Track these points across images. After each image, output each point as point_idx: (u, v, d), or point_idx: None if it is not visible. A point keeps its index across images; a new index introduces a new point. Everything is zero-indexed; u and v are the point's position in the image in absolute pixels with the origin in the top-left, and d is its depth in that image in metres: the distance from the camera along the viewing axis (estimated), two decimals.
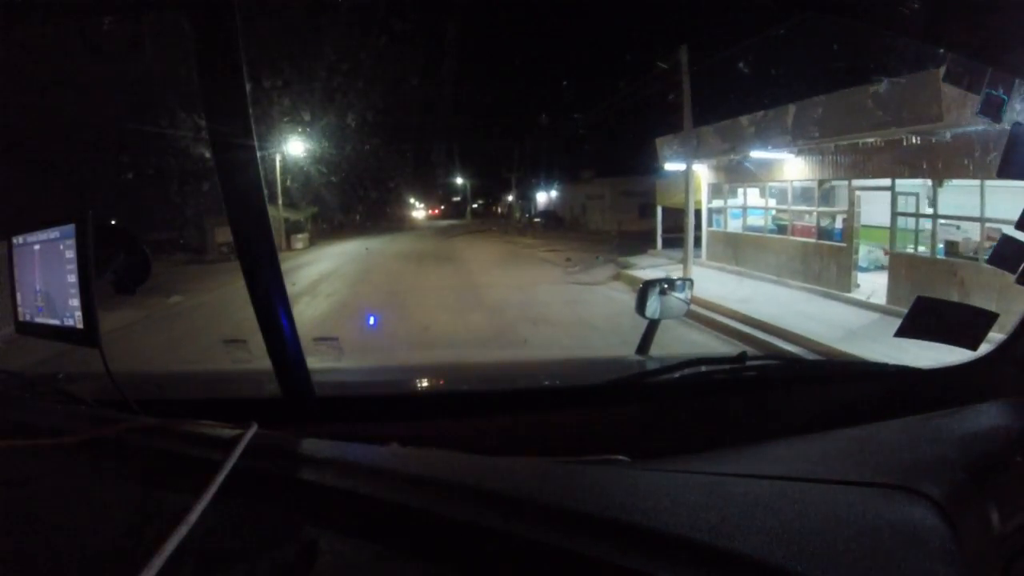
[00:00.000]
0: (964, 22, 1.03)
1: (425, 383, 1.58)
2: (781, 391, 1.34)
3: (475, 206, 53.92)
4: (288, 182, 19.95)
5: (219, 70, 0.97)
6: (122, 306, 6.88)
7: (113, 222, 1.43)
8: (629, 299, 1.88)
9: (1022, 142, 1.09)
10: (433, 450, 0.85)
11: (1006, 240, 1.14)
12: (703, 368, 1.34)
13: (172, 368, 3.07)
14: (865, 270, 10.64)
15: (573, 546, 0.57)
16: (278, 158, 18.44)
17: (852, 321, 8.21)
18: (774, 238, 12.35)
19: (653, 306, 1.76)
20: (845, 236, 10.36)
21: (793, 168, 11.62)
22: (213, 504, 0.65)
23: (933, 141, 8.09)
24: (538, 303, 9.73)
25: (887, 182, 9.36)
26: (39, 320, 1.07)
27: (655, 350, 1.73)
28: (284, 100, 15.61)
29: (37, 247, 1.07)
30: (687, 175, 12.91)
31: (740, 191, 13.87)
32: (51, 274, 1.04)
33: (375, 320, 8.45)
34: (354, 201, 27.11)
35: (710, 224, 14.86)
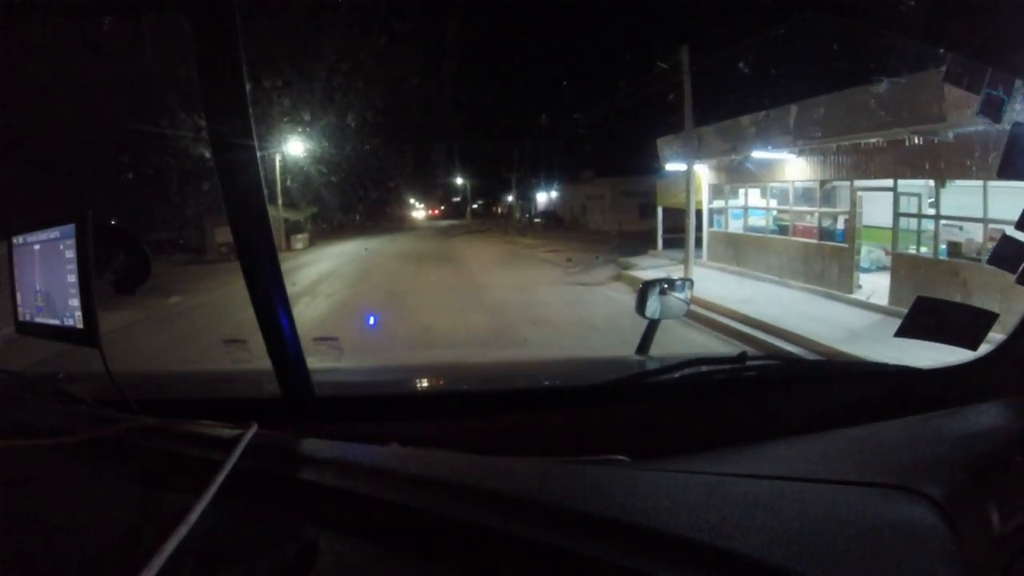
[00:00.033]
0: (964, 22, 1.03)
1: (425, 383, 1.58)
2: (781, 391, 1.34)
3: (475, 206, 53.98)
4: (288, 182, 19.95)
5: (219, 70, 0.97)
6: (121, 307, 6.88)
7: (113, 222, 1.43)
8: (630, 300, 1.88)
9: (1022, 142, 1.09)
10: (433, 450, 0.85)
11: (1006, 240, 1.14)
12: (703, 368, 1.34)
13: (172, 368, 3.07)
14: (867, 271, 10.61)
15: (573, 546, 0.57)
16: (278, 158, 18.44)
17: (854, 322, 8.19)
18: (775, 239, 12.32)
19: (653, 306, 1.77)
20: (847, 237, 10.33)
21: (794, 168, 11.59)
22: (213, 504, 0.65)
23: (935, 141, 8.06)
24: (539, 304, 9.72)
25: (889, 182, 9.33)
26: (39, 320, 1.07)
27: (655, 350, 1.73)
28: (284, 100, 15.63)
29: (37, 247, 1.07)
30: (688, 175, 12.86)
31: (741, 191, 13.83)
32: (51, 274, 1.04)
33: (375, 320, 8.44)
34: (354, 201, 27.12)
35: (711, 225, 14.83)
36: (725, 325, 8.19)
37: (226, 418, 0.88)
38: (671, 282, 1.84)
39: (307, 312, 8.98)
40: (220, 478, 0.69)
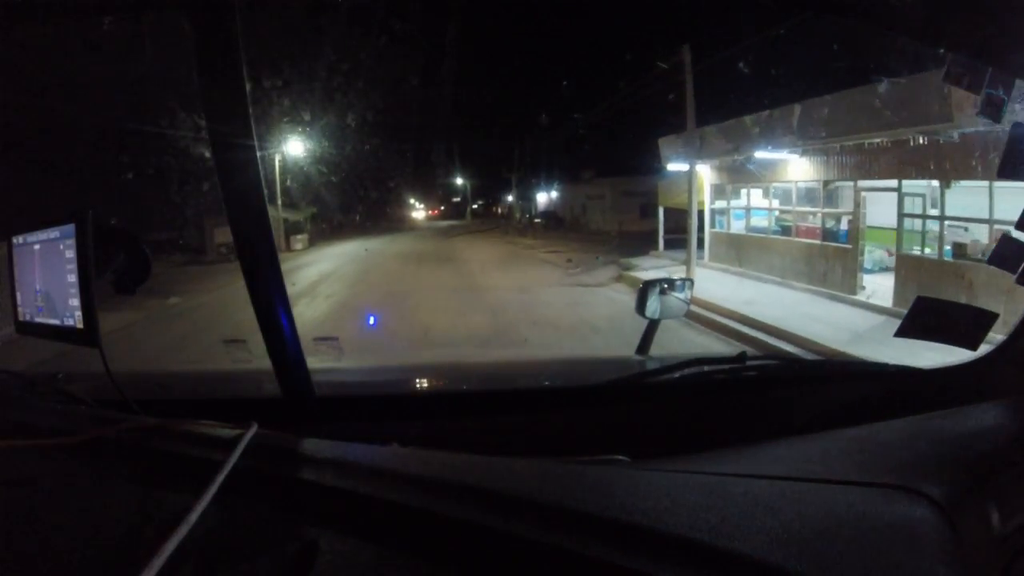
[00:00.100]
0: (964, 22, 1.03)
1: (425, 383, 1.58)
2: (781, 391, 1.34)
3: (475, 207, 54.00)
4: (288, 182, 19.95)
5: (219, 70, 0.97)
6: (120, 307, 6.88)
7: (113, 222, 1.43)
8: (631, 301, 1.88)
9: (1022, 142, 1.09)
10: (433, 450, 0.85)
11: (1006, 240, 1.15)
12: (703, 368, 1.34)
13: (172, 368, 3.07)
14: (869, 271, 10.57)
15: (573, 546, 0.57)
16: (277, 158, 18.44)
17: (858, 324, 8.16)
18: (778, 239, 12.29)
19: (653, 306, 1.77)
20: (850, 237, 10.30)
21: (797, 168, 11.57)
22: (213, 504, 0.65)
23: (940, 142, 8.02)
24: (539, 305, 9.71)
25: (892, 183, 9.30)
26: (39, 320, 1.07)
27: (656, 350, 1.73)
28: (284, 100, 15.65)
29: (37, 247, 1.07)
30: (690, 175, 12.80)
31: (743, 192, 13.81)
32: (51, 274, 1.04)
33: (375, 320, 8.44)
34: (353, 201, 27.14)
35: (713, 225, 14.82)
36: (727, 327, 8.16)
37: (226, 418, 0.88)
38: (671, 282, 1.84)
39: (307, 313, 8.98)
40: (220, 478, 0.69)
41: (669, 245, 16.63)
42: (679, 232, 14.80)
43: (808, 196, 11.67)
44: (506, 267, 15.89)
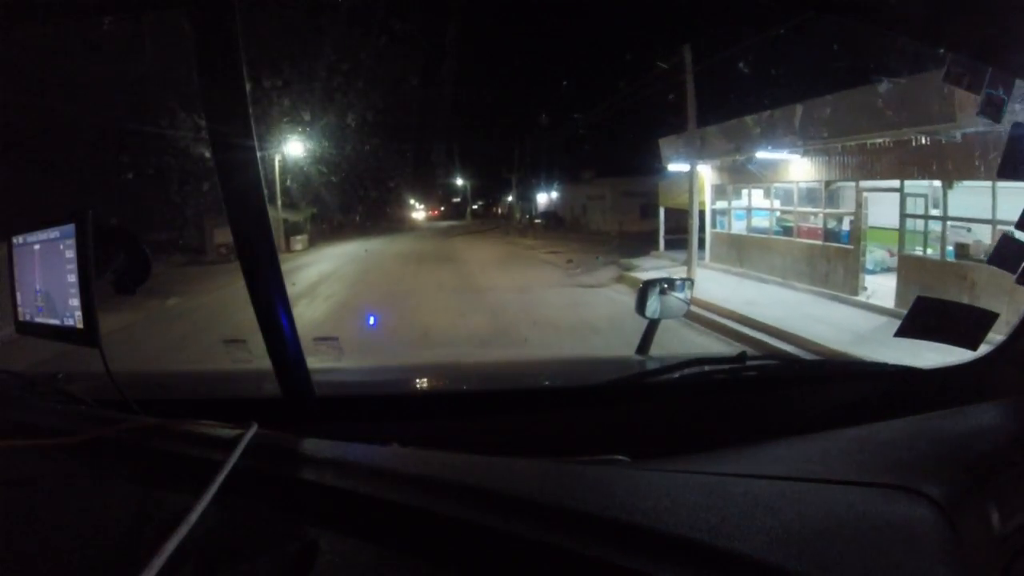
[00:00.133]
0: (964, 22, 1.04)
1: (425, 383, 1.58)
2: (781, 391, 1.34)
3: (475, 207, 53.94)
4: (288, 181, 19.94)
5: (219, 70, 0.97)
6: (119, 308, 6.87)
7: (113, 222, 1.43)
8: (632, 302, 1.88)
9: (1022, 142, 1.09)
10: (433, 450, 0.85)
11: (1006, 240, 1.15)
12: (703, 368, 1.34)
13: (172, 368, 3.07)
14: (871, 272, 10.54)
15: (573, 546, 0.57)
16: (277, 158, 18.43)
17: (860, 324, 8.12)
18: (779, 240, 12.26)
19: (653, 306, 1.77)
20: (852, 238, 10.27)
21: (799, 169, 11.54)
22: (213, 504, 0.65)
23: (943, 142, 7.99)
24: (540, 306, 9.67)
25: (895, 183, 9.28)
26: (39, 320, 1.07)
27: (656, 350, 1.73)
28: (284, 100, 15.64)
29: (37, 247, 1.07)
30: (691, 176, 12.75)
31: (744, 192, 13.79)
32: (51, 274, 1.04)
33: (374, 321, 8.43)
34: (353, 202, 27.11)
35: (714, 226, 14.79)
36: (729, 328, 8.12)
37: (226, 418, 0.88)
38: (671, 282, 1.84)
39: (306, 313, 8.97)
40: (220, 478, 0.69)
41: (670, 245, 16.59)
42: (680, 232, 14.78)
43: (809, 196, 11.64)
44: (506, 267, 15.87)
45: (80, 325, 0.98)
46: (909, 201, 9.25)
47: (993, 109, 1.09)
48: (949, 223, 8.46)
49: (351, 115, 18.27)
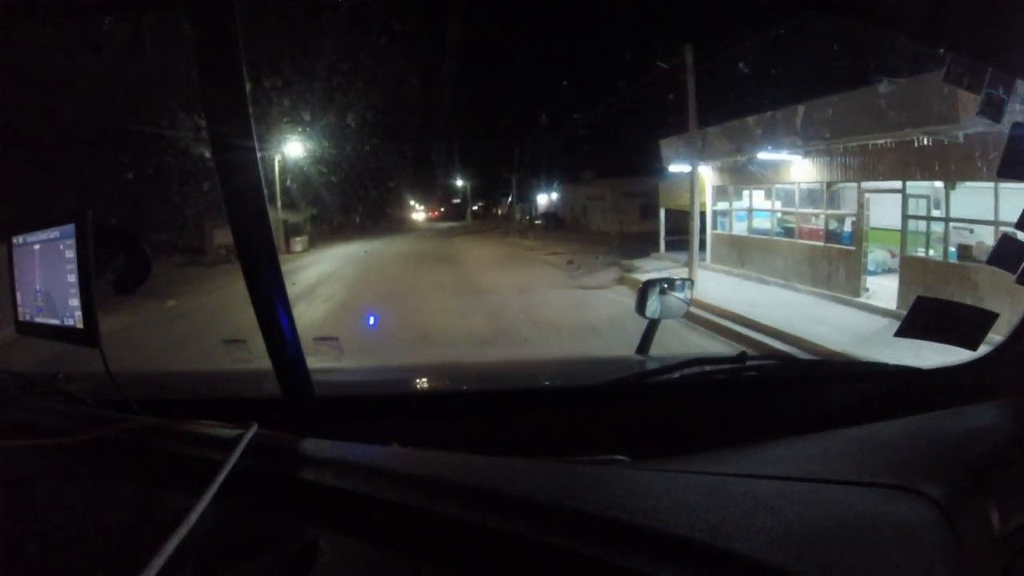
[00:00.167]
0: (964, 22, 1.04)
1: (425, 383, 1.58)
2: (781, 391, 1.34)
3: (475, 208, 53.88)
4: (288, 182, 19.92)
5: (219, 70, 0.97)
6: (117, 311, 6.84)
7: (113, 222, 1.43)
8: (634, 304, 1.88)
9: (1022, 142, 1.09)
10: (433, 450, 0.85)
11: (1006, 240, 1.15)
12: (703, 368, 1.34)
13: (172, 368, 3.07)
14: (873, 273, 10.51)
15: (573, 546, 0.57)
16: (277, 159, 18.42)
17: (863, 326, 8.09)
18: (781, 241, 12.25)
19: (653, 306, 1.77)
20: (854, 239, 10.25)
21: (800, 170, 11.53)
22: (213, 504, 0.65)
23: (945, 142, 7.97)
24: (541, 308, 9.62)
25: (896, 184, 9.25)
26: (39, 320, 1.07)
27: (657, 351, 1.73)
28: (284, 100, 15.63)
29: (37, 247, 1.07)
30: (692, 177, 12.70)
31: (745, 193, 13.78)
32: (51, 274, 1.04)
33: (374, 322, 8.41)
34: (353, 202, 27.10)
35: (714, 227, 14.78)
36: (731, 329, 8.10)
37: (226, 418, 0.88)
38: (671, 282, 1.84)
39: (307, 314, 8.96)
40: (220, 478, 0.69)
41: (670, 247, 16.58)
42: (680, 233, 14.78)
43: (811, 197, 11.63)
44: (506, 269, 15.85)
45: (80, 325, 0.98)
46: (911, 202, 9.23)
47: (993, 109, 1.09)
48: (951, 224, 8.43)
49: (351, 115, 18.27)
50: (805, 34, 9.91)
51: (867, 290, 9.98)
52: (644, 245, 17.77)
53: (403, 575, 0.60)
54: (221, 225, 15.00)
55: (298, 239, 22.02)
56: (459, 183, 49.20)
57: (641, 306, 1.77)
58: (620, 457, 0.90)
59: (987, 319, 1.20)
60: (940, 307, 1.24)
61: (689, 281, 1.92)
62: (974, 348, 1.21)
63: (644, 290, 1.78)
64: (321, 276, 14.17)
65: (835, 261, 10.57)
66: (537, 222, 34.40)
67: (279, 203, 19.16)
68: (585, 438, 1.03)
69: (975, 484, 0.70)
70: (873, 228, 10.32)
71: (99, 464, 0.84)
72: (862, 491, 0.68)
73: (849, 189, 10.62)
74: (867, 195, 10.07)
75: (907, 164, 8.87)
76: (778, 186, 12.50)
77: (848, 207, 10.73)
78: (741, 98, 12.90)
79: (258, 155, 0.98)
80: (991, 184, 7.53)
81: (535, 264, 17.14)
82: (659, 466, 0.82)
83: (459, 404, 1.29)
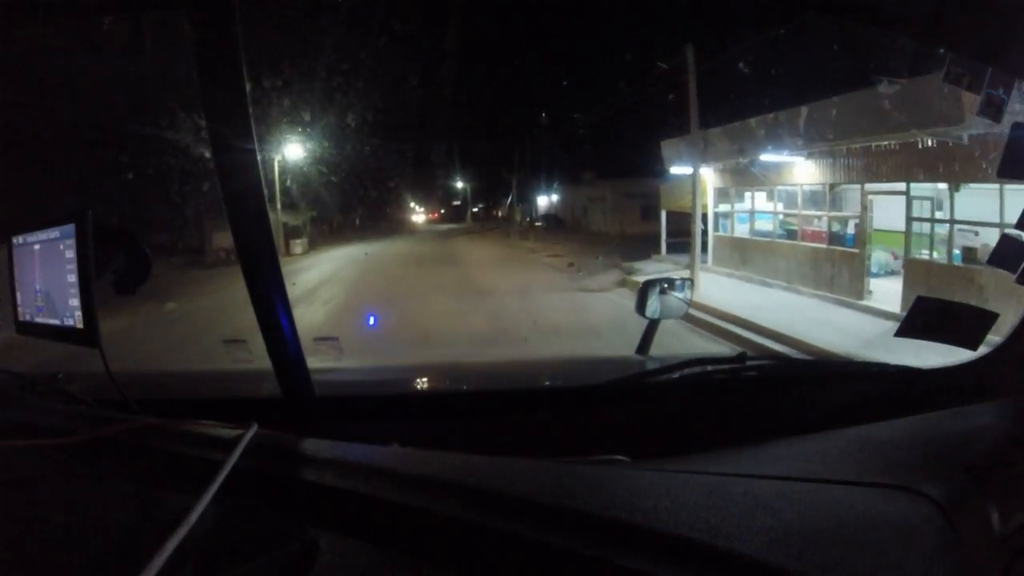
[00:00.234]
0: (964, 22, 1.04)
1: (425, 383, 1.58)
2: (781, 391, 1.34)
3: (475, 210, 53.83)
4: (288, 182, 19.90)
5: (219, 70, 0.97)
6: (115, 313, 6.82)
7: (113, 221, 1.43)
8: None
9: (1022, 142, 1.09)
10: (433, 450, 0.85)
11: (1006, 240, 1.15)
12: (703, 368, 1.34)
13: (172, 368, 3.07)
14: (875, 275, 10.45)
15: (573, 546, 0.57)
16: (277, 159, 18.40)
17: (867, 329, 8.03)
18: (783, 243, 12.20)
19: (653, 306, 1.77)
20: (857, 241, 10.20)
21: (803, 171, 11.49)
22: (213, 504, 0.65)
23: (950, 144, 7.92)
24: (542, 311, 9.57)
25: (900, 186, 9.21)
26: (39, 320, 1.07)
27: (658, 352, 1.73)
28: (284, 100, 15.60)
29: (37, 247, 1.07)
30: (694, 178, 12.63)
31: (747, 195, 13.74)
32: (51, 274, 1.04)
33: (374, 322, 8.41)
34: (353, 203, 27.06)
35: (716, 229, 14.74)
36: (734, 333, 8.05)
37: (226, 418, 0.88)
38: (671, 281, 1.85)
39: (307, 315, 8.94)
40: (220, 478, 0.69)
41: (671, 249, 16.52)
42: (681, 235, 14.74)
43: (813, 199, 11.59)
44: (507, 270, 15.83)
45: (80, 325, 0.98)
46: (915, 204, 9.20)
47: (993, 109, 1.09)
48: (956, 226, 8.39)
49: (351, 115, 18.23)
50: (806, 35, 9.91)
51: (870, 292, 9.93)
52: (645, 247, 17.73)
53: (403, 575, 0.60)
54: (221, 227, 14.99)
55: (298, 241, 21.98)
56: (459, 185, 49.22)
57: (641, 306, 1.77)
58: (620, 457, 0.90)
59: (987, 319, 1.20)
60: (940, 307, 1.24)
61: (689, 281, 1.92)
62: (974, 348, 1.21)
63: (644, 290, 1.78)
64: (321, 278, 14.17)
65: (838, 263, 10.53)
66: (537, 223, 34.41)
67: (279, 204, 19.15)
68: (585, 438, 1.03)
69: (975, 484, 0.70)
70: (876, 230, 10.29)
71: (99, 464, 0.84)
72: (862, 491, 0.68)
73: (852, 191, 10.57)
74: (870, 197, 10.03)
75: (911, 166, 8.83)
76: (780, 188, 12.45)
77: (851, 209, 10.70)
78: (742, 99, 12.90)
79: (258, 156, 0.98)
80: (996, 186, 7.48)
81: (535, 266, 17.12)
82: (659, 466, 0.82)
83: (459, 404, 1.29)
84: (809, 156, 11.06)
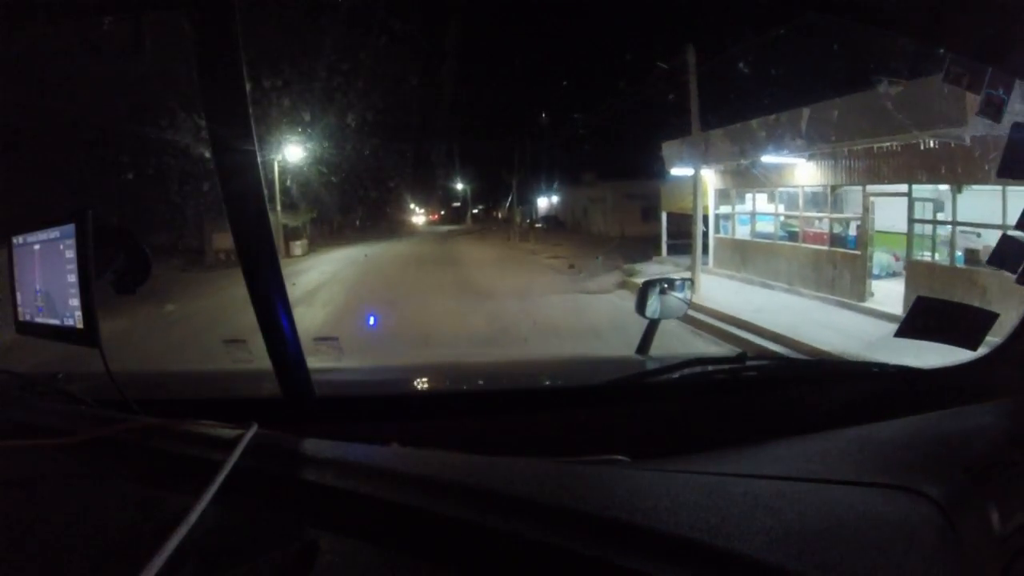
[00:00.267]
0: (964, 22, 1.04)
1: (425, 383, 1.58)
2: (781, 391, 1.34)
3: (475, 211, 53.84)
4: (288, 182, 19.89)
5: (219, 70, 0.97)
6: (114, 315, 6.80)
7: (113, 221, 1.43)
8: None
9: (1022, 142, 1.09)
10: (433, 450, 0.85)
11: (1006, 240, 1.15)
12: (703, 368, 1.34)
13: (172, 368, 3.07)
14: (877, 277, 10.41)
15: (573, 546, 0.57)
16: (276, 160, 18.39)
17: (869, 331, 7.99)
18: (784, 245, 12.15)
19: (653, 306, 1.77)
20: (859, 243, 10.17)
21: (804, 173, 11.45)
22: (213, 504, 0.65)
23: (952, 145, 7.88)
24: (542, 312, 9.56)
25: (902, 187, 9.18)
26: (39, 320, 1.07)
27: (658, 353, 1.73)
28: (284, 101, 15.61)
29: (37, 247, 1.07)
30: (695, 180, 12.58)
31: (748, 196, 13.70)
32: (51, 274, 1.04)
33: (374, 322, 8.40)
34: (353, 204, 27.06)
35: (717, 230, 14.70)
36: (736, 335, 8.02)
37: (226, 418, 0.88)
38: (671, 281, 1.85)
39: (307, 316, 8.93)
40: (220, 478, 0.69)
41: (672, 250, 16.46)
42: (682, 237, 14.71)
43: (815, 201, 11.56)
44: (507, 272, 15.79)
45: (80, 325, 0.98)
46: (917, 205, 9.17)
47: (993, 109, 1.09)
48: (958, 228, 8.36)
49: (351, 116, 18.23)
50: (807, 35, 9.89)
51: (872, 294, 9.90)
52: (646, 248, 17.69)
53: (403, 575, 0.60)
54: (221, 228, 14.98)
55: (298, 243, 21.92)
56: (459, 186, 49.22)
57: (641, 306, 1.77)
58: (620, 457, 0.90)
59: (987, 319, 1.20)
60: (940, 307, 1.24)
61: (689, 281, 1.92)
62: (974, 348, 1.21)
63: (644, 290, 1.78)
64: (322, 278, 14.15)
65: (839, 265, 10.50)
66: (537, 225, 34.39)
67: (279, 205, 19.13)
68: (585, 438, 1.03)
69: (975, 484, 0.70)
70: (878, 232, 10.26)
71: (99, 464, 0.84)
72: (862, 491, 0.68)
73: (854, 192, 10.54)
74: (872, 198, 10.00)
75: (912, 167, 8.79)
76: (782, 189, 12.41)
77: (853, 210, 10.67)
78: (743, 100, 12.87)
79: (258, 156, 0.98)
80: (998, 187, 7.44)
81: (536, 267, 17.11)
82: (659, 466, 0.82)
83: (459, 404, 1.29)
84: (810, 157, 11.02)
